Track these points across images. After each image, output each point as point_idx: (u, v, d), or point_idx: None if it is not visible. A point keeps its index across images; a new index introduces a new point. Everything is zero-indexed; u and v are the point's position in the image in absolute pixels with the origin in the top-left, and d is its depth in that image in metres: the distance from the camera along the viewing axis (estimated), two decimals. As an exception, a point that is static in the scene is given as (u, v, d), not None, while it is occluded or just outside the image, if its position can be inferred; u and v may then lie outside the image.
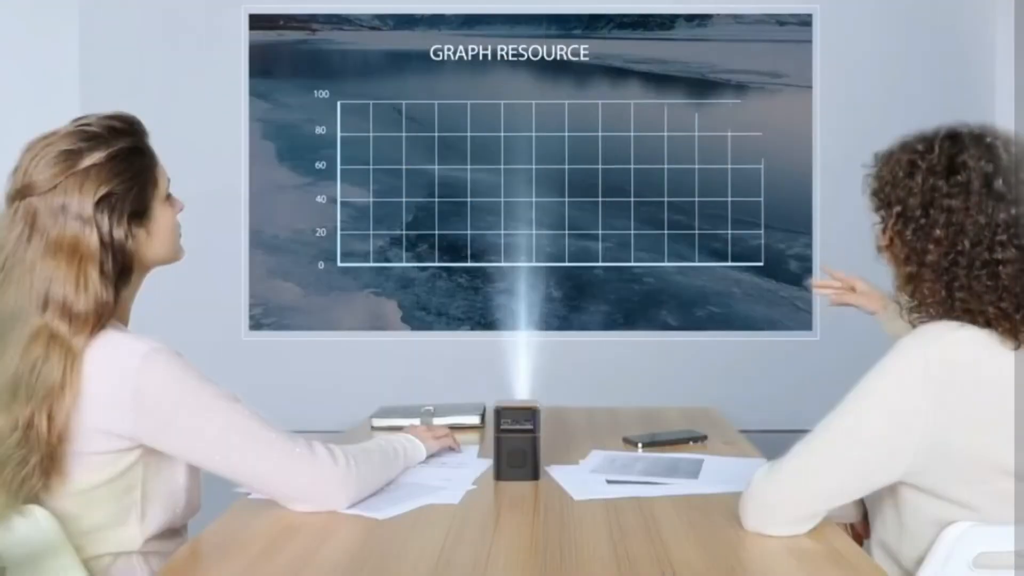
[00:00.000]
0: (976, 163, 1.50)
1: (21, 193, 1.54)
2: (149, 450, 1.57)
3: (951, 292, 1.49)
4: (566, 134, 3.40)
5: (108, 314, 1.55)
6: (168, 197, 1.67)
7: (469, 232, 3.40)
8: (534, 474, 1.83)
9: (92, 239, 1.53)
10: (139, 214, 1.60)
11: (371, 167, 3.41)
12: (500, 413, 1.84)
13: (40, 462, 1.49)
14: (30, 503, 1.50)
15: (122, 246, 1.56)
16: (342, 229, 3.42)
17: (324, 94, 3.43)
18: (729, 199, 3.39)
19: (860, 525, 1.88)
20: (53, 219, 1.53)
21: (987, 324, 1.48)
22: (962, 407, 1.45)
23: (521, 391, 2.04)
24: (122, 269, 1.57)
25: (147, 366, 1.53)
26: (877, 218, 1.60)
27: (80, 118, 1.61)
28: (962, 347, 1.47)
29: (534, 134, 3.40)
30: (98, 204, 1.54)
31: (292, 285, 3.43)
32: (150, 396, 1.53)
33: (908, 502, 1.53)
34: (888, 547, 1.59)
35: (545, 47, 3.44)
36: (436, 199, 3.41)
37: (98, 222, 1.53)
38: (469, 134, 3.41)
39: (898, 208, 1.53)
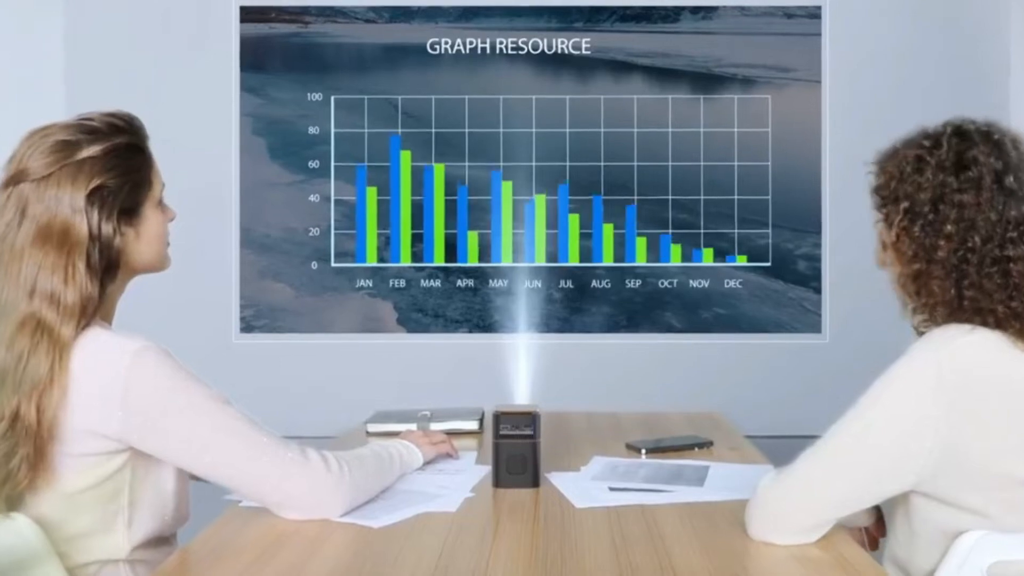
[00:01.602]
0: (986, 159, 1.51)
1: (14, 179, 1.57)
2: (137, 454, 1.58)
3: (960, 290, 1.49)
4: (567, 130, 3.41)
5: (93, 309, 1.56)
6: (160, 203, 1.69)
7: (467, 231, 3.41)
8: (534, 481, 1.84)
9: (82, 230, 1.55)
10: (129, 212, 1.62)
11: (366, 164, 3.42)
12: (499, 418, 1.85)
13: (27, 456, 1.50)
14: (14, 504, 1.52)
15: (109, 241, 1.58)
16: (336, 228, 3.42)
17: (317, 89, 3.44)
18: (735, 197, 3.40)
19: (875, 527, 1.88)
20: (44, 207, 1.55)
21: (997, 325, 1.48)
22: (975, 412, 1.45)
23: (521, 395, 2.05)
24: (108, 265, 1.59)
25: (137, 364, 1.54)
26: (879, 216, 1.60)
27: (83, 113, 1.64)
28: (974, 351, 1.48)
29: (534, 130, 3.41)
30: (90, 196, 1.56)
31: (284, 286, 3.43)
32: (139, 395, 1.53)
33: (919, 510, 1.53)
34: (898, 559, 1.59)
35: (545, 40, 3.44)
36: (433, 197, 3.41)
37: (88, 214, 1.56)
38: (467, 130, 3.41)
39: (905, 204, 1.54)
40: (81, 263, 1.55)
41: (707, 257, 3.40)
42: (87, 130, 1.60)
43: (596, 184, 3.40)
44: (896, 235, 1.56)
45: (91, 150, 1.58)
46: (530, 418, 1.84)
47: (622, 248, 3.40)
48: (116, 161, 1.60)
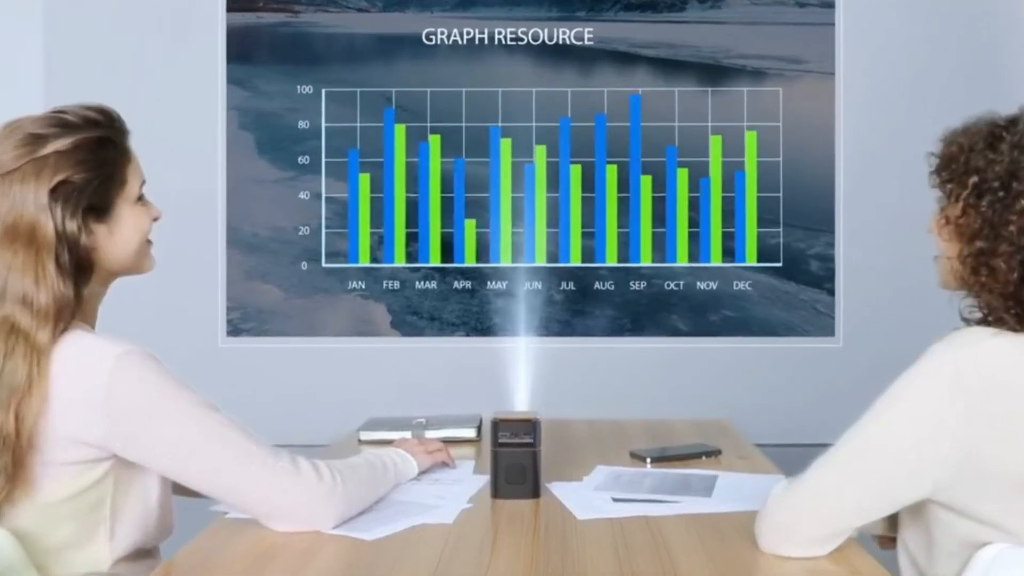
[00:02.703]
0: None
1: None
2: (120, 462, 1.58)
3: (1023, 273, 1.49)
4: (569, 124, 3.41)
5: (69, 311, 1.56)
6: (140, 199, 1.68)
7: (464, 230, 3.41)
8: (534, 491, 1.84)
9: (48, 228, 1.55)
10: (98, 209, 1.61)
11: (358, 160, 3.42)
12: (498, 426, 1.85)
13: (5, 467, 1.50)
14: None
15: (76, 240, 1.58)
16: (327, 227, 3.43)
17: (307, 82, 3.44)
18: (745, 194, 3.40)
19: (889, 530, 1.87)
20: (11, 203, 1.56)
21: None
22: (995, 418, 1.45)
23: (520, 402, 2.05)
24: (80, 266, 1.58)
25: (120, 368, 1.54)
26: (941, 193, 1.60)
27: (60, 106, 1.64)
28: (997, 354, 1.48)
29: (534, 124, 3.41)
30: (53, 192, 1.56)
31: (273, 287, 3.43)
32: (123, 400, 1.54)
33: (940, 522, 1.54)
34: (918, 563, 1.60)
35: (546, 30, 3.45)
36: (428, 194, 3.41)
37: (52, 211, 1.56)
38: (464, 124, 3.42)
39: (975, 178, 1.54)
40: (50, 263, 1.55)
41: (715, 257, 3.40)
42: (59, 123, 1.60)
43: (599, 180, 3.40)
44: (962, 209, 1.55)
45: (58, 144, 1.58)
46: (530, 426, 1.84)
47: (626, 248, 3.40)
48: (84, 155, 1.59)
